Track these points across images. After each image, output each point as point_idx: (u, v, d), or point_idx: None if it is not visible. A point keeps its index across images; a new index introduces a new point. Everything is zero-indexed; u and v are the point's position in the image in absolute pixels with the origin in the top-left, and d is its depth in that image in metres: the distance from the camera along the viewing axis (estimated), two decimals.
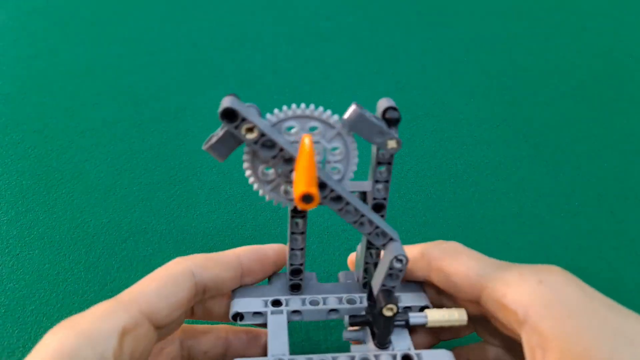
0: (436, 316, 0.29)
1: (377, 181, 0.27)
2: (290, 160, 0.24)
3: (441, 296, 0.32)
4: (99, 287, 0.41)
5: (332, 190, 0.24)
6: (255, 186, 0.25)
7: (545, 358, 0.25)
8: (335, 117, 0.24)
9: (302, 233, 0.29)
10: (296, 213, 0.28)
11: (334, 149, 0.25)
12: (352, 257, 0.35)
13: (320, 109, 0.24)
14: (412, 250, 0.31)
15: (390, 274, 0.26)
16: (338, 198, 0.25)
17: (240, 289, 0.31)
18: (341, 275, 0.34)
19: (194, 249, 0.43)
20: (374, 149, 0.26)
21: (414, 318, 0.29)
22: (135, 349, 0.26)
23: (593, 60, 0.53)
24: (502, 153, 0.48)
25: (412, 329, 0.33)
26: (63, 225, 0.45)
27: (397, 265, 0.26)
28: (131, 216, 0.46)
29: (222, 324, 0.34)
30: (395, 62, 0.54)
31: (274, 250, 0.32)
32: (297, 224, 0.28)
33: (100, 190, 0.47)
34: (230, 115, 0.23)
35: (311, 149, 0.22)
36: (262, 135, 0.23)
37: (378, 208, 0.27)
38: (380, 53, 0.54)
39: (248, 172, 0.25)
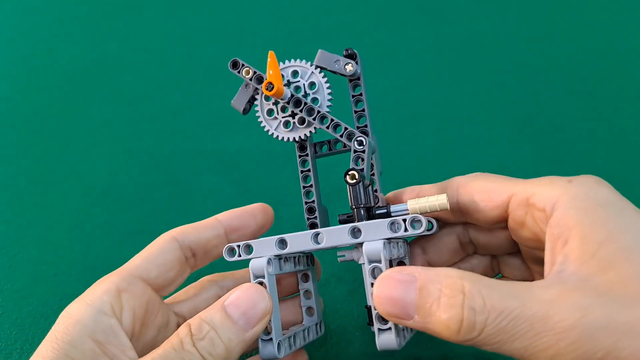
0: (414, 203, 0.30)
1: (353, 95, 0.34)
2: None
3: (468, 227, 0.33)
4: None
5: (305, 104, 0.32)
6: (266, 127, 0.34)
7: (565, 247, 0.24)
8: (309, 63, 0.34)
9: (309, 171, 0.35)
10: (301, 152, 0.35)
11: (312, 85, 0.33)
12: None
13: (299, 60, 0.34)
14: (436, 185, 0.32)
15: (355, 157, 0.31)
16: (311, 109, 0.32)
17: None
18: None
19: None
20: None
21: (395, 207, 0.31)
22: (137, 305, 0.30)
23: (597, 58, 0.53)
24: (505, 152, 0.48)
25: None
26: (60, 226, 0.45)
27: (359, 147, 0.31)
28: (128, 217, 0.45)
29: None
30: (396, 60, 0.53)
31: (251, 207, 0.35)
32: (303, 162, 0.35)
33: (97, 190, 0.47)
34: (235, 64, 0.34)
35: (273, 58, 0.32)
36: (255, 72, 0.33)
37: (359, 118, 0.34)
38: (380, 51, 0.54)
39: (260, 118, 0.34)
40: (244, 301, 0.28)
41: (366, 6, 0.57)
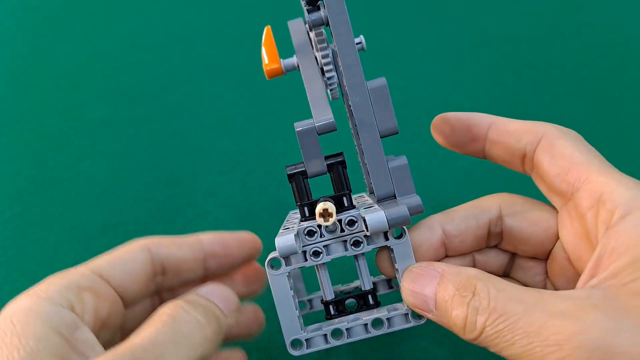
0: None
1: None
2: None
3: (504, 216, 0.30)
4: None
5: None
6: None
7: (611, 264, 0.22)
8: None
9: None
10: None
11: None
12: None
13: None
14: (525, 123, 0.30)
15: None
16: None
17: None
18: None
19: None
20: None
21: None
22: (100, 306, 0.26)
23: (599, 58, 0.53)
24: None
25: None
26: (59, 226, 0.45)
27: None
28: (128, 217, 0.45)
29: None
30: (397, 61, 0.53)
31: (239, 236, 0.32)
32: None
33: (97, 190, 0.47)
34: None
35: (267, 33, 0.30)
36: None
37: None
38: (381, 51, 0.54)
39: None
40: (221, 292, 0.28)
41: (367, 6, 0.57)
